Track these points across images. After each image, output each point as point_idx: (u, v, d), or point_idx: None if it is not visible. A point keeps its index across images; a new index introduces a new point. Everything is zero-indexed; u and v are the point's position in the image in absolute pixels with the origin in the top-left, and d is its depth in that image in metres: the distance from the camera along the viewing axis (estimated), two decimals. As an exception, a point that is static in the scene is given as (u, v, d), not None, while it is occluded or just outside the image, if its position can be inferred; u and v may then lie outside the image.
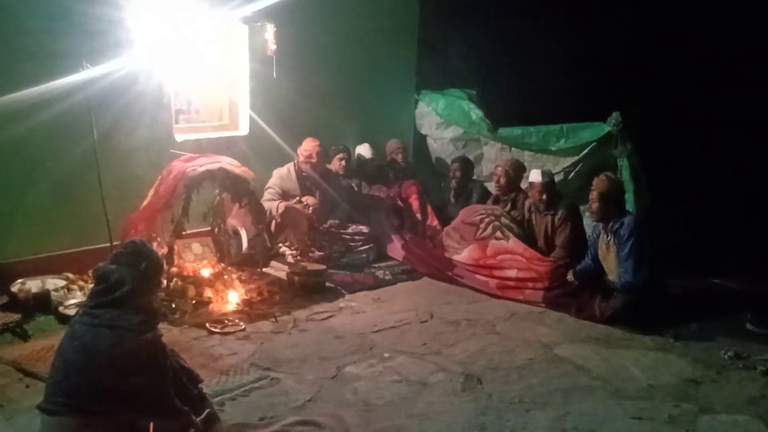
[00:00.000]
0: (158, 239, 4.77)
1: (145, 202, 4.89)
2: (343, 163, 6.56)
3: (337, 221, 6.17)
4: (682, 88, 6.98)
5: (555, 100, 6.80)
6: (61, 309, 4.47)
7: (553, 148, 6.25)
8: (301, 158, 6.08)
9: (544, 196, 5.60)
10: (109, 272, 2.88)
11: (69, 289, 4.72)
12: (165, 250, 4.83)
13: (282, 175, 6.11)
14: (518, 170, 6.04)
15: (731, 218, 6.32)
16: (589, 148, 6.07)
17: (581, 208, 5.87)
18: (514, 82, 7.17)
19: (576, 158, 6.16)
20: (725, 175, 6.79)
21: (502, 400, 3.73)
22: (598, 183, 5.03)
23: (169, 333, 4.28)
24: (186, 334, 4.36)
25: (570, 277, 5.16)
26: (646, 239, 4.88)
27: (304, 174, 6.11)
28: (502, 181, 6.04)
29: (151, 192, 4.91)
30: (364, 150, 6.93)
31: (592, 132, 6.02)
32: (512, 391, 3.84)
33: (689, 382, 4.03)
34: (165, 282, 4.74)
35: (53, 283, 4.72)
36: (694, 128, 6.92)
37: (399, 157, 7.03)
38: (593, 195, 5.00)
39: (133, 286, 2.86)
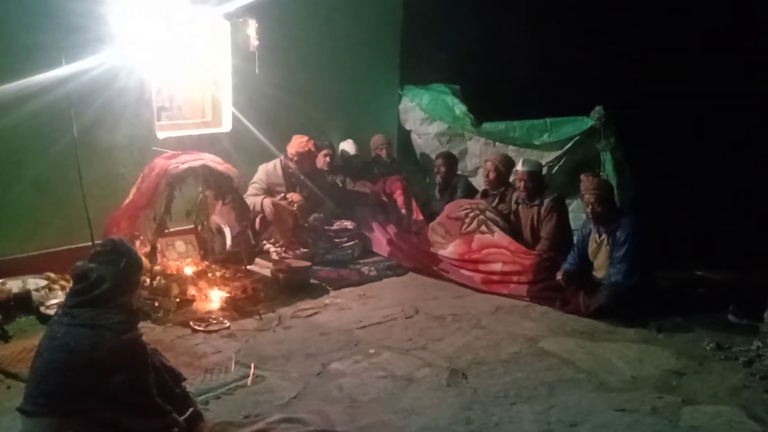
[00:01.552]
0: (141, 237, 4.72)
1: (127, 200, 4.84)
2: (328, 159, 6.53)
3: (321, 217, 6.15)
4: (666, 81, 7.01)
5: (539, 95, 6.82)
6: (42, 309, 4.43)
7: (536, 143, 6.27)
8: (292, 156, 6.04)
9: (529, 185, 5.60)
10: (88, 271, 2.85)
11: (50, 289, 4.66)
12: (148, 249, 4.79)
13: (268, 171, 6.08)
14: (508, 165, 6.05)
15: (715, 210, 6.37)
16: (572, 142, 6.09)
17: (566, 201, 5.90)
18: (498, 77, 7.17)
19: (560, 152, 6.18)
20: (709, 167, 6.84)
21: (488, 395, 3.74)
22: (592, 185, 5.01)
23: (152, 332, 4.27)
24: (170, 333, 4.33)
25: (559, 277, 5.15)
26: (642, 244, 4.90)
27: (290, 170, 6.08)
28: (492, 176, 6.05)
29: (134, 190, 4.87)
30: (348, 146, 6.92)
31: (575, 126, 6.04)
32: (497, 385, 3.85)
33: (672, 374, 4.06)
34: (148, 280, 4.71)
35: (34, 282, 4.66)
36: (679, 120, 6.96)
37: (383, 153, 7.02)
38: (590, 199, 4.98)
39: (112, 285, 2.83)
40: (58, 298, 4.53)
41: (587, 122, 5.94)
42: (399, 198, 6.55)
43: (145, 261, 4.58)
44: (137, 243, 4.75)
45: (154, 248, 4.86)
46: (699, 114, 6.83)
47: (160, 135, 5.63)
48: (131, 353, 2.82)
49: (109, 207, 4.89)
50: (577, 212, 5.79)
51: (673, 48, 7.09)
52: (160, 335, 4.26)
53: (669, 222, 5.66)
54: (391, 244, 6.07)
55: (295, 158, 6.03)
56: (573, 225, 5.68)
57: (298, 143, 6.03)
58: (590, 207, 5.00)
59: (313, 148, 6.06)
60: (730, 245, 5.92)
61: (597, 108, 5.87)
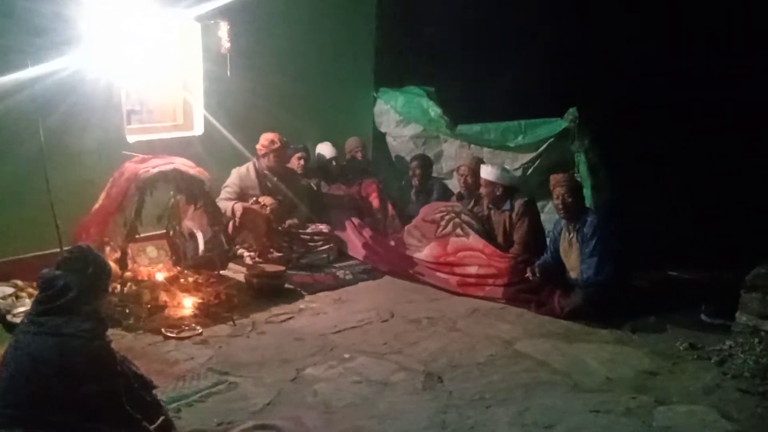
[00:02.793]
0: (111, 243, 4.69)
1: (96, 206, 4.79)
2: (302, 162, 6.52)
3: (296, 221, 6.13)
4: (642, 82, 7.08)
5: (514, 97, 6.86)
6: (9, 318, 4.34)
7: (511, 145, 6.30)
8: (261, 151, 6.01)
9: (496, 193, 5.65)
10: (54, 278, 2.81)
11: (18, 297, 4.59)
12: (118, 254, 4.75)
13: (241, 175, 6.05)
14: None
15: (689, 210, 6.45)
16: (547, 143, 6.12)
17: (540, 203, 5.96)
18: (473, 79, 7.21)
19: (534, 154, 6.21)
20: (685, 168, 6.92)
21: (463, 398, 3.76)
22: (564, 179, 5.08)
23: (123, 339, 4.23)
24: (141, 340, 4.29)
25: (529, 273, 5.19)
26: (610, 237, 4.95)
27: (264, 173, 6.06)
28: (469, 180, 6.09)
29: (103, 195, 4.82)
30: (325, 149, 6.90)
31: (549, 128, 6.08)
32: (473, 388, 3.87)
33: (646, 374, 4.12)
34: (119, 287, 4.67)
35: (0, 290, 4.59)
36: (654, 121, 7.03)
37: (358, 156, 7.03)
38: (561, 191, 5.03)
39: (79, 292, 2.79)
40: (25, 306, 4.45)
41: (561, 124, 5.98)
42: (374, 201, 6.56)
43: (115, 267, 4.55)
44: (107, 249, 4.71)
45: (124, 254, 4.82)
46: (676, 115, 6.90)
47: (130, 139, 5.58)
48: (100, 362, 2.79)
49: (78, 213, 4.82)
50: (551, 213, 5.84)
51: (646, 49, 7.17)
52: (131, 342, 4.22)
53: (644, 222, 5.74)
54: (367, 248, 6.07)
55: (264, 154, 6.01)
56: (547, 227, 5.71)
57: (265, 138, 6.02)
58: (560, 199, 5.05)
59: (281, 143, 6.01)
60: (703, 245, 6.01)
61: (570, 110, 5.91)
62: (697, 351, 4.41)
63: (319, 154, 6.90)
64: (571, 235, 5.10)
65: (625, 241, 5.08)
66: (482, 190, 5.78)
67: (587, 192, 5.57)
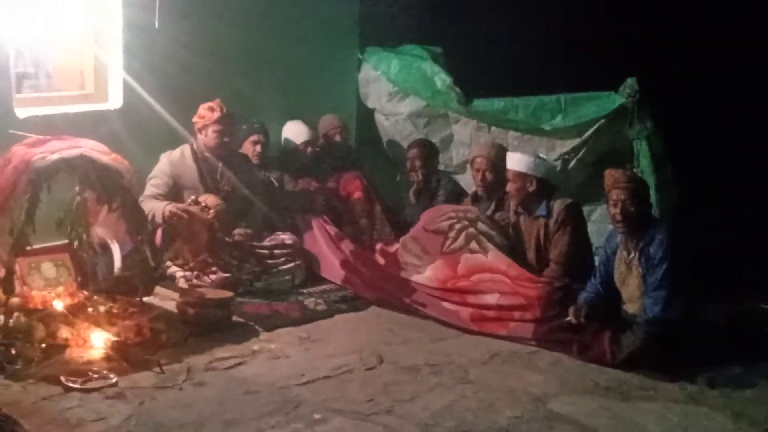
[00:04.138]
0: (-9, 257, 4.68)
1: (-28, 205, 4.78)
2: (259, 148, 6.54)
3: (249, 230, 6.14)
4: (718, 49, 7.14)
5: (549, 63, 6.91)
6: None
7: (546, 127, 6.34)
8: (198, 124, 6.04)
9: (530, 190, 5.66)
10: None
11: None
12: (2, 273, 4.73)
13: (174, 161, 6.07)
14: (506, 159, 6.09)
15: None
16: (595, 126, 6.17)
17: (585, 209, 5.98)
18: (496, 36, 7.25)
19: (578, 141, 6.26)
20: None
21: (477, 476, 3.78)
22: (623, 178, 5.07)
23: (7, 390, 4.22)
24: (32, 392, 4.26)
25: (572, 316, 5.17)
26: (684, 261, 4.97)
27: (206, 156, 6.06)
28: (488, 176, 6.11)
29: (-19, 190, 4.82)
30: (295, 130, 6.90)
31: (599, 105, 6.12)
32: (491, 462, 3.89)
33: (729, 445, 4.15)
34: (2, 318, 4.66)
35: None
36: (736, 101, 7.09)
37: (336, 140, 7.04)
38: (621, 195, 5.02)
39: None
40: None
41: (615, 100, 6.02)
42: (358, 202, 6.58)
43: (-4, 291, 4.54)
44: (-14, 265, 4.70)
45: (10, 273, 4.79)
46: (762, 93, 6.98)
47: (21, 113, 5.58)
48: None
49: (-55, 214, 4.82)
50: (601, 223, 5.87)
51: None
52: (18, 395, 4.20)
53: (719, 238, 5.75)
54: (347, 267, 6.08)
55: (202, 128, 6.04)
56: (595, 241, 5.75)
57: (202, 106, 6.03)
58: (619, 207, 5.04)
59: (223, 112, 6.00)
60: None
61: (628, 80, 5.95)
62: (800, 414, 4.45)
63: (285, 139, 6.91)
64: (632, 255, 5.11)
65: (694, 263, 5.10)
66: (509, 187, 5.79)
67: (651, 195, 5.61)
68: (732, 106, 7.04)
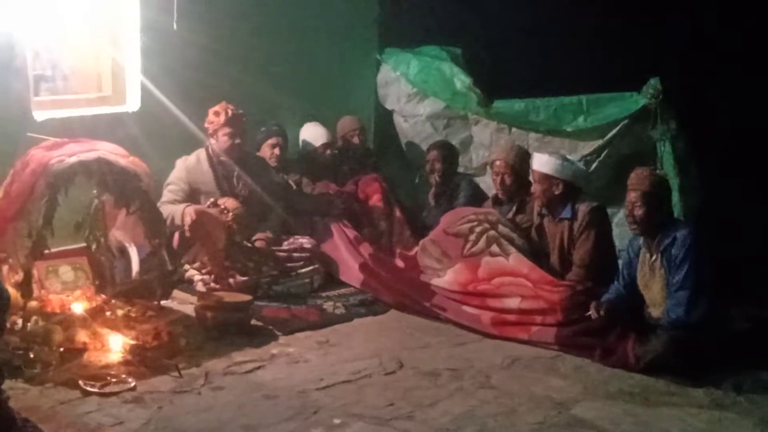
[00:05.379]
0: (9, 260, 4.70)
1: (-11, 208, 4.82)
2: (277, 151, 6.56)
3: (268, 233, 6.15)
4: (744, 46, 7.09)
5: (571, 63, 6.88)
6: None
7: (568, 129, 6.34)
8: (209, 129, 6.06)
9: (556, 192, 5.62)
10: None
11: None
12: (20, 277, 4.75)
13: (189, 167, 6.09)
14: (528, 161, 6.06)
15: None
16: (618, 127, 6.16)
17: (609, 211, 5.94)
18: (517, 37, 7.23)
19: (600, 142, 6.24)
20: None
21: (499, 483, 3.76)
22: (639, 180, 5.06)
23: (25, 395, 4.22)
24: (50, 396, 4.29)
25: (593, 311, 5.19)
26: (706, 261, 4.94)
27: (222, 160, 6.08)
28: (508, 180, 6.08)
29: (0, 193, 4.83)
30: (315, 133, 6.92)
31: (621, 106, 6.11)
32: (513, 468, 3.88)
33: (757, 452, 4.12)
34: (20, 322, 4.67)
35: None
36: (763, 100, 7.03)
37: (355, 142, 7.05)
38: (634, 196, 5.00)
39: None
40: None
41: (638, 101, 6.00)
42: (377, 205, 6.58)
43: (15, 294, 4.55)
44: (4, 269, 4.72)
45: (28, 276, 4.81)
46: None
47: (39, 116, 5.61)
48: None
49: (-36, 218, 4.85)
50: (623, 226, 5.83)
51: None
52: (36, 400, 4.22)
53: (749, 239, 5.71)
54: (366, 271, 6.08)
55: (213, 133, 6.05)
56: (618, 244, 5.72)
57: (211, 111, 6.04)
58: (629, 209, 5.04)
59: (232, 114, 6.00)
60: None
61: (651, 81, 5.93)
62: (829, 420, 4.40)
63: (304, 141, 6.92)
64: (654, 257, 5.08)
65: (718, 264, 5.06)
66: (534, 188, 5.75)
67: (674, 196, 5.57)
68: (759, 106, 6.98)
